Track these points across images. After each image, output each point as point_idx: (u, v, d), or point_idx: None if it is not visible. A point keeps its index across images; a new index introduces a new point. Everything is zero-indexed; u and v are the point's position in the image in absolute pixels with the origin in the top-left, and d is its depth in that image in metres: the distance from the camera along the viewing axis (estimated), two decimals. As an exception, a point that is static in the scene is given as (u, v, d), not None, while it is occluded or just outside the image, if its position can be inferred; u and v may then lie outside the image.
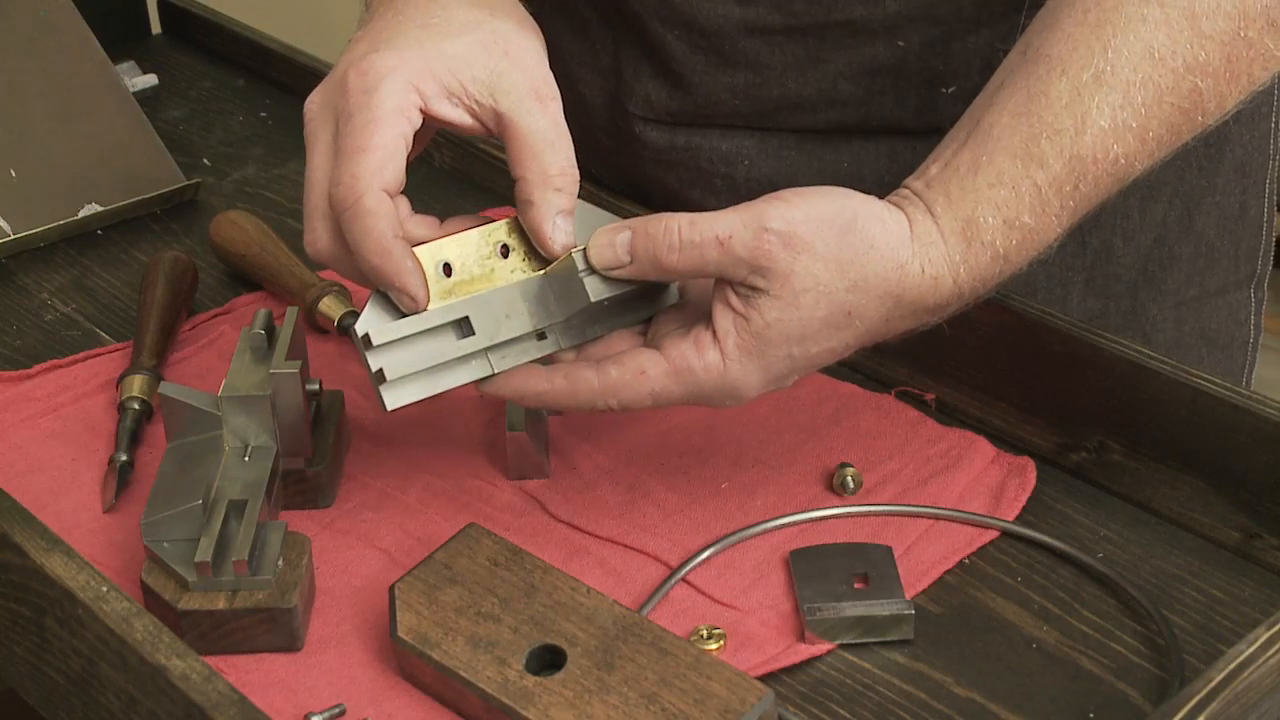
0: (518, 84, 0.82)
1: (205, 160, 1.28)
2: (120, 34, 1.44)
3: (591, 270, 0.79)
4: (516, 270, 0.82)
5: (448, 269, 0.81)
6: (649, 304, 0.84)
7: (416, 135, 0.82)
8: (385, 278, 0.79)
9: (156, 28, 1.51)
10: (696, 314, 0.82)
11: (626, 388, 0.80)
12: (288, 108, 1.35)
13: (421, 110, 0.81)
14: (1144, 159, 0.81)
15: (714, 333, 0.79)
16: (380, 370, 0.79)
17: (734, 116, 1.05)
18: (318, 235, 0.82)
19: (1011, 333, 0.92)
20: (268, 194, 1.23)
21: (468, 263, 0.81)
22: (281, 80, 1.37)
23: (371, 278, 0.80)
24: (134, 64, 1.41)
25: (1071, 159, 0.80)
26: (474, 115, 0.82)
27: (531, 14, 0.88)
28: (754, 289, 0.78)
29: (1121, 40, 0.80)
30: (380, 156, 0.79)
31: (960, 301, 0.81)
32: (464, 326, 0.80)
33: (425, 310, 0.80)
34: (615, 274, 0.79)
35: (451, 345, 0.80)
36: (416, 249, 0.80)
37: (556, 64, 0.86)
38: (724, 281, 0.79)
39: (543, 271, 0.82)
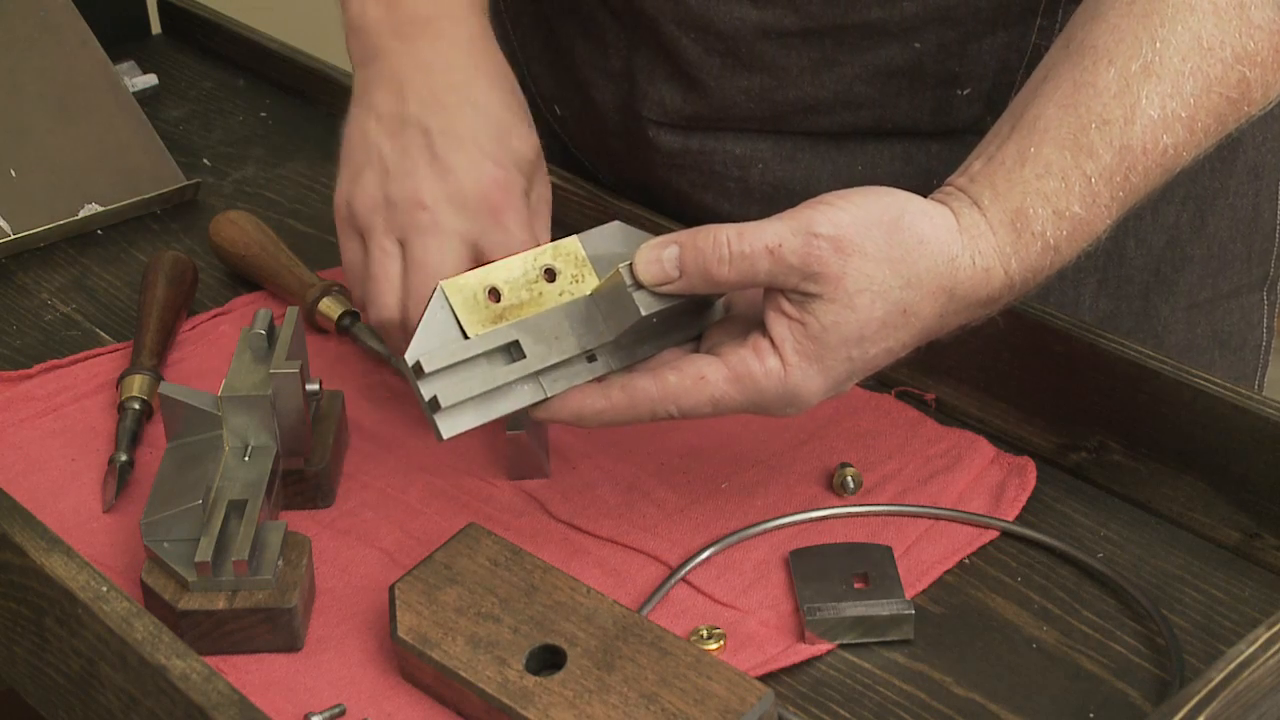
0: None
1: (205, 160, 1.28)
2: (120, 34, 1.44)
3: (639, 285, 0.79)
4: (564, 293, 0.81)
5: (495, 294, 0.80)
6: (695, 321, 0.83)
7: None
8: None
9: (156, 28, 1.50)
10: (747, 326, 0.81)
11: (686, 394, 0.79)
12: (288, 108, 1.35)
13: None
14: (1192, 149, 0.81)
15: (771, 340, 0.78)
16: (435, 398, 0.78)
17: (749, 119, 1.04)
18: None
19: (1011, 333, 0.92)
20: (268, 194, 1.23)
21: (515, 287, 0.81)
22: (281, 80, 1.37)
23: None
24: (134, 64, 1.41)
25: (1121, 149, 0.79)
26: None
27: (543, 18, 0.88)
28: (807, 295, 0.77)
29: (1169, 30, 0.79)
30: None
31: (1012, 293, 0.81)
32: (514, 351, 0.80)
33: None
34: (665, 289, 0.78)
35: (503, 370, 0.79)
36: (464, 275, 0.80)
37: (568, 69, 0.86)
38: (775, 290, 0.78)
39: (590, 291, 0.81)
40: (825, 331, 0.77)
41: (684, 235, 0.78)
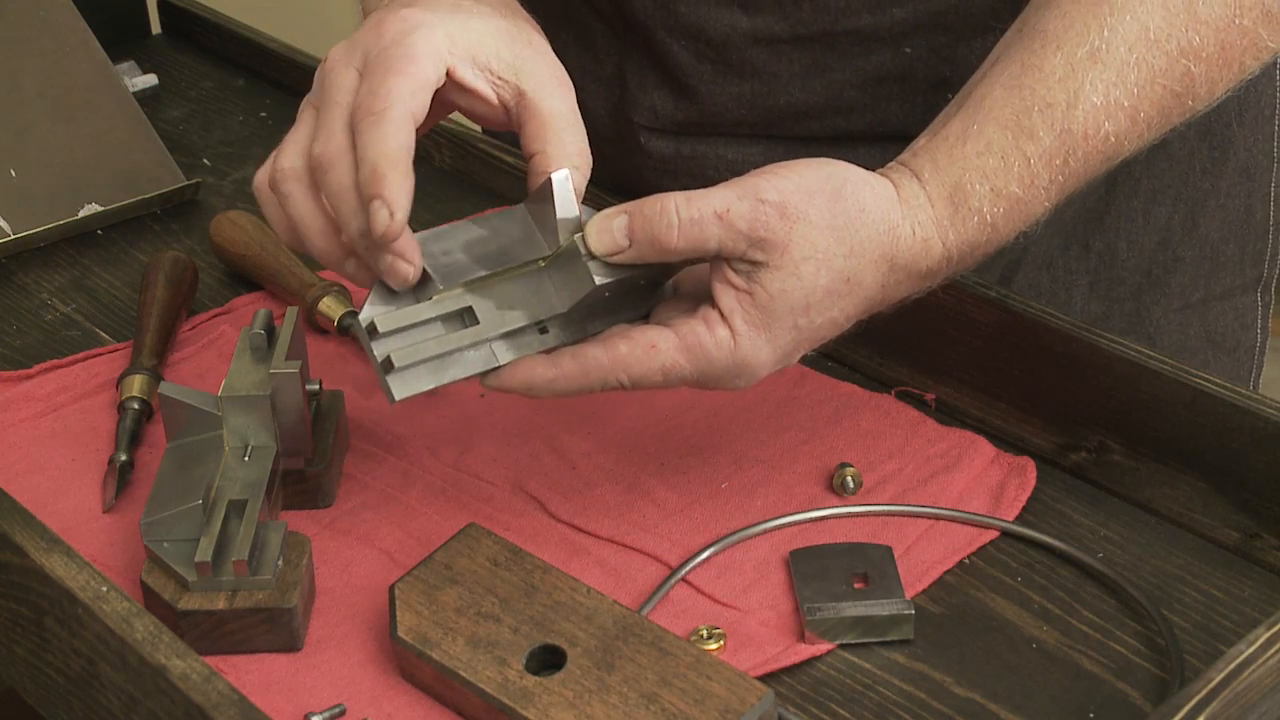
0: (540, 69, 0.82)
1: (205, 160, 1.28)
2: (120, 34, 1.44)
3: (593, 256, 0.79)
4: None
5: None
6: (645, 299, 0.84)
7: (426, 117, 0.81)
8: (377, 186, 0.76)
9: (156, 28, 1.51)
10: (696, 302, 0.81)
11: (637, 362, 0.79)
12: (288, 108, 1.35)
13: (449, 72, 0.80)
14: (1133, 139, 0.82)
15: (720, 311, 0.79)
16: (388, 358, 0.78)
17: (740, 125, 1.04)
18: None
19: (1011, 333, 0.92)
20: (268, 194, 1.23)
21: None
22: (281, 80, 1.37)
23: (364, 185, 0.76)
24: (134, 64, 1.41)
25: (1062, 133, 0.80)
26: (496, 89, 0.82)
27: (538, 24, 0.88)
28: (754, 263, 0.78)
29: (1118, 20, 0.80)
30: (416, 84, 0.78)
31: (950, 267, 0.82)
32: (468, 317, 0.80)
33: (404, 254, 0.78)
34: (615, 259, 0.79)
35: (455, 335, 0.80)
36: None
37: None
38: (721, 260, 0.79)
39: (543, 262, 0.81)
40: (772, 300, 0.78)
41: (633, 204, 0.79)
